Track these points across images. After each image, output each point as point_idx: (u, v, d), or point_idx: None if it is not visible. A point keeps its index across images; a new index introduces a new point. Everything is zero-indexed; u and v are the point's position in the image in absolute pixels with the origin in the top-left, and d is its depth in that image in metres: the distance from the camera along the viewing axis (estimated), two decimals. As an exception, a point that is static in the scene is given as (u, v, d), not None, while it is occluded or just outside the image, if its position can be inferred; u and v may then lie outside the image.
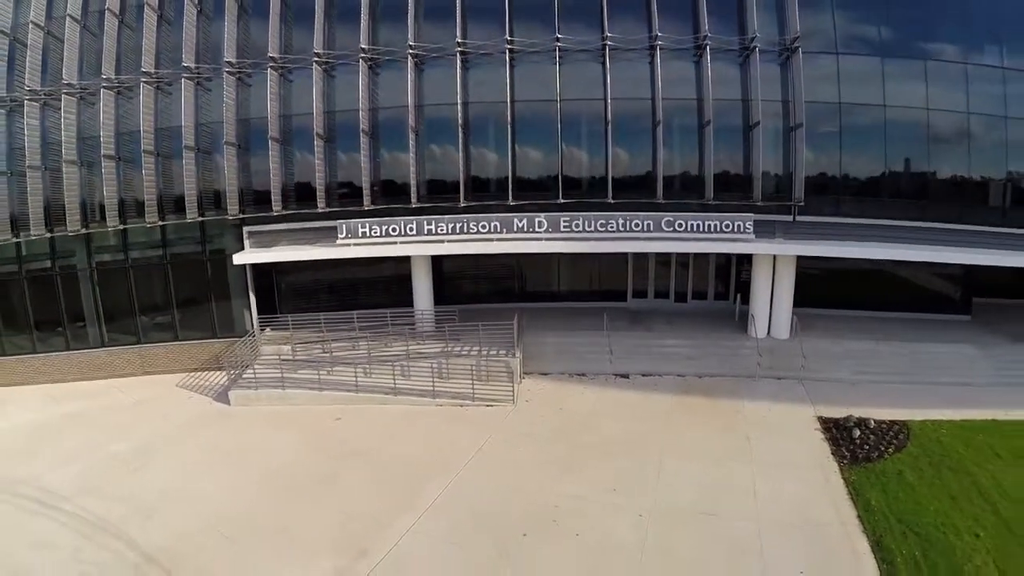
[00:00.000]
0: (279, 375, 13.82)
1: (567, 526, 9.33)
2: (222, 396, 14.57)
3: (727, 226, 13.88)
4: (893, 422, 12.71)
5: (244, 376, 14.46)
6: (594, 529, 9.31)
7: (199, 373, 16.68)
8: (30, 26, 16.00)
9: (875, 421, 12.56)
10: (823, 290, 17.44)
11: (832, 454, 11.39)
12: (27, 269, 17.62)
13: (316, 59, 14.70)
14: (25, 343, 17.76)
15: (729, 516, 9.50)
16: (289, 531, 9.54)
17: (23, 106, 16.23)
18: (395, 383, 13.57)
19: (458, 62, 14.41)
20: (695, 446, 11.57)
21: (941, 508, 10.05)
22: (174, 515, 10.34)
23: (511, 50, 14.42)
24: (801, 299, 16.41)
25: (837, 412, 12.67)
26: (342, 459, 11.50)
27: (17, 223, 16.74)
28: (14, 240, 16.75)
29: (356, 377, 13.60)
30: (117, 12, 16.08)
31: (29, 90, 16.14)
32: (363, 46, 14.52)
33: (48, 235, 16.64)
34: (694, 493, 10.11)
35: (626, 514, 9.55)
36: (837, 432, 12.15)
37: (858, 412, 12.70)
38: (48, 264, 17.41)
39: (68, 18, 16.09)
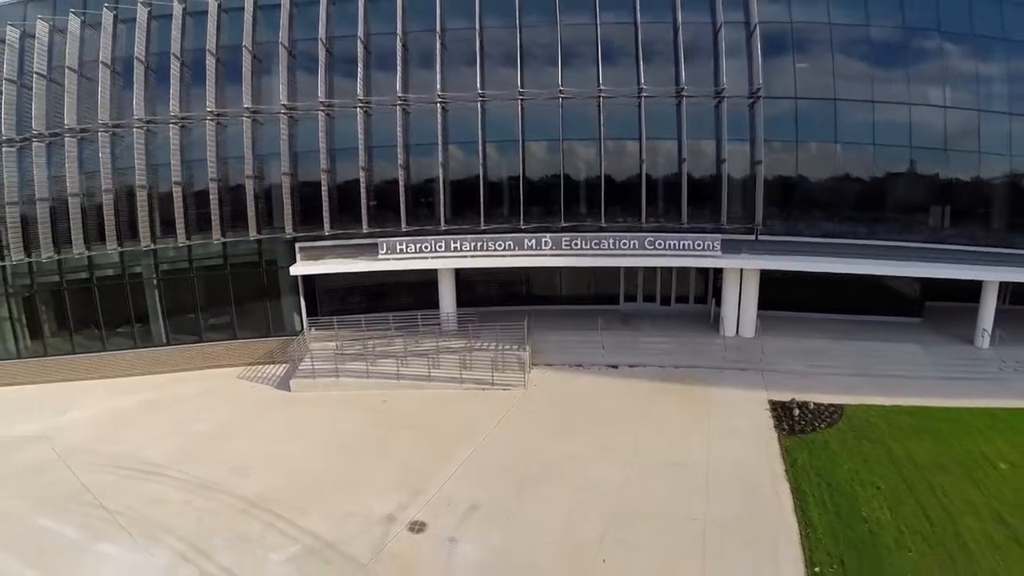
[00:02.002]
0: (333, 366, 17.48)
1: (567, 472, 12.98)
2: (283, 384, 18.20)
3: (699, 245, 17.59)
4: (831, 405, 16.22)
5: (301, 367, 18.08)
6: (588, 474, 12.94)
7: (255, 367, 20.17)
8: (102, 64, 19.34)
9: (815, 404, 16.10)
10: (790, 295, 20.89)
11: (774, 427, 14.92)
12: (98, 276, 21.12)
13: (360, 104, 18.32)
14: (95, 342, 21.22)
15: (687, 467, 13.10)
16: (360, 480, 13.14)
17: (97, 137, 19.77)
18: (429, 372, 17.29)
19: (479, 108, 18.07)
20: (667, 420, 15.19)
21: (854, 467, 13.57)
22: (264, 474, 13.75)
23: (522, 98, 18.09)
24: (770, 303, 20.07)
25: (784, 396, 16.19)
26: (392, 430, 15.16)
27: (90, 237, 20.41)
28: (87, 253, 20.31)
29: (397, 367, 17.33)
30: (180, 59, 19.63)
31: (102, 123, 19.56)
32: (399, 94, 18.17)
33: (119, 249, 20.21)
34: (663, 452, 13.74)
35: (612, 465, 13.20)
36: (781, 411, 15.68)
37: (802, 397, 16.23)
38: (119, 272, 20.81)
39: (136, 60, 19.52)
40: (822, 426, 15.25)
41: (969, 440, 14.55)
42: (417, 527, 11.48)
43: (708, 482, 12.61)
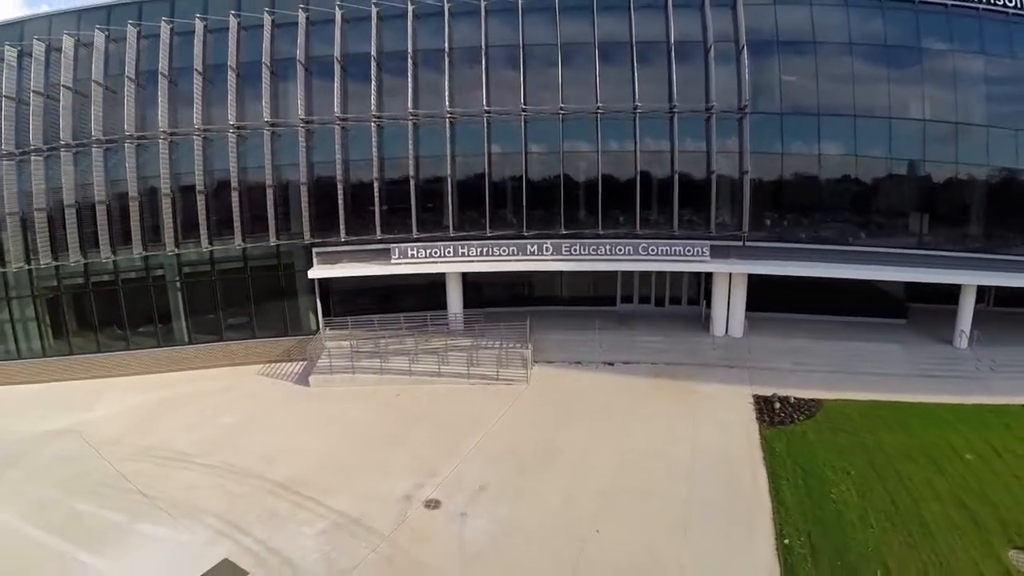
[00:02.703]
0: (349, 363, 19.07)
1: (566, 457, 14.61)
2: (302, 380, 19.79)
3: (689, 250, 19.21)
4: (811, 400, 17.78)
5: (319, 364, 19.65)
6: (587, 459, 14.54)
7: (274, 364, 21.69)
8: (127, 78, 20.86)
9: (795, 398, 17.70)
10: (778, 297, 22.39)
11: (757, 419, 16.49)
12: (123, 279, 22.61)
13: (374, 118, 19.91)
14: (119, 341, 22.75)
15: (674, 453, 14.69)
16: (379, 465, 14.70)
17: (123, 147, 21.32)
18: (438, 368, 18.86)
19: (485, 122, 19.66)
20: (657, 411, 16.78)
21: (827, 455, 15.08)
22: (290, 461, 15.28)
23: (525, 114, 19.69)
24: (760, 305, 21.66)
25: (767, 391, 17.77)
26: (406, 421, 16.75)
27: (115, 242, 21.96)
28: (113, 258, 21.75)
29: (409, 364, 18.92)
30: (202, 74, 21.14)
31: (128, 134, 20.97)
32: (410, 110, 19.75)
33: (145, 254, 21.68)
34: (654, 440, 15.32)
35: (607, 450, 14.80)
36: (764, 405, 17.25)
37: (784, 392, 17.83)
38: (143, 275, 22.26)
39: (160, 75, 21.02)
40: (801, 418, 16.83)
41: (939, 433, 16.02)
42: (432, 504, 13.06)
43: (693, 466, 14.17)
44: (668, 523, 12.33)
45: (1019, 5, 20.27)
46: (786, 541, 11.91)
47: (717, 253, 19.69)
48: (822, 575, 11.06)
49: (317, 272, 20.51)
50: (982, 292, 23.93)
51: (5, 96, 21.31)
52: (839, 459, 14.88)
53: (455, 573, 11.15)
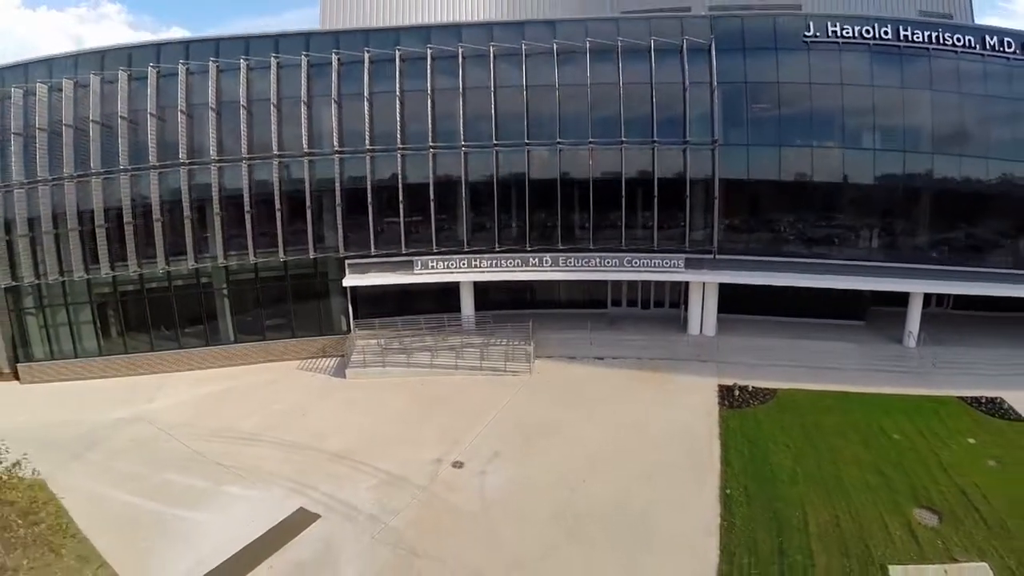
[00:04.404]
0: (380, 358, 23.52)
1: (561, 432, 18.97)
2: (338, 373, 24.22)
3: (666, 263, 23.70)
4: (767, 389, 22.04)
5: (353, 358, 24.06)
6: (579, 433, 18.91)
7: (311, 360, 26.06)
8: (180, 111, 25.07)
9: (753, 387, 22.04)
10: (749, 301, 26.71)
11: (718, 403, 20.81)
12: (175, 286, 27.01)
13: (400, 149, 24.35)
14: (171, 341, 26.87)
15: (649, 429, 19.06)
16: (412, 439, 19.04)
17: (179, 171, 25.58)
18: (455, 362, 23.32)
19: (494, 154, 24.11)
20: (638, 397, 21.17)
21: (771, 431, 19.42)
22: (339, 437, 19.57)
23: (528, 146, 24.09)
24: (733, 308, 26.11)
25: (730, 382, 22.17)
26: (431, 405, 21.16)
27: (169, 253, 26.27)
28: (167, 268, 25.98)
29: (431, 359, 23.42)
30: (247, 108, 25.42)
31: (181, 161, 25.22)
32: (430, 143, 24.18)
33: (196, 265, 25.98)
34: (633, 418, 19.70)
35: (595, 426, 19.19)
36: (726, 392, 21.60)
37: (744, 382, 22.17)
38: (193, 282, 26.59)
39: (209, 108, 25.32)
40: (755, 403, 21.20)
41: (874, 417, 20.03)
42: (457, 465, 17.50)
43: (663, 438, 18.58)
44: (639, 477, 16.73)
45: (969, 44, 23.96)
46: (728, 491, 16.29)
47: (691, 265, 24.13)
48: (752, 513, 15.33)
49: (350, 280, 24.94)
50: (941, 296, 28.30)
51: (65, 124, 25.41)
52: (781, 434, 19.11)
53: (478, 511, 15.57)
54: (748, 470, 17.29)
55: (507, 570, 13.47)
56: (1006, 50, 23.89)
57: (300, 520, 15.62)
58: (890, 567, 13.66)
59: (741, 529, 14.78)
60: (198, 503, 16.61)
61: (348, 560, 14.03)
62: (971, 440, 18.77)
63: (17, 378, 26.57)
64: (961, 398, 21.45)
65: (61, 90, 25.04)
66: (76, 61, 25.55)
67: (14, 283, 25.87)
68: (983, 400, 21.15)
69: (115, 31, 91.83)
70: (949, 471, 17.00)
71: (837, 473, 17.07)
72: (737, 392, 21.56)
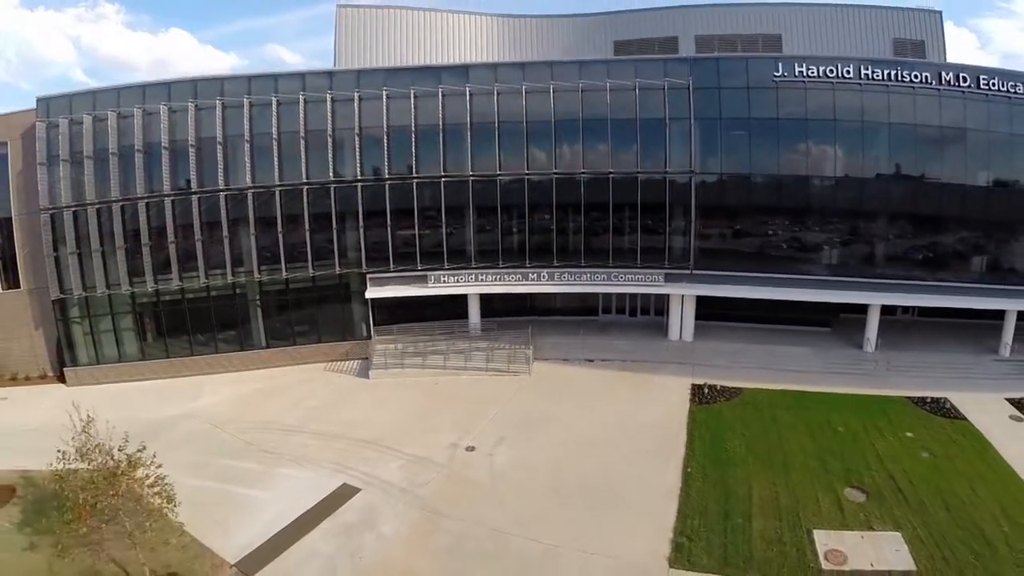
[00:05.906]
0: (399, 360, 28.15)
1: (556, 423, 23.43)
2: (362, 373, 28.80)
3: (648, 278, 28.32)
4: (735, 388, 26.40)
5: (375, 361, 28.62)
6: (570, 423, 23.36)
7: (336, 363, 30.52)
8: (219, 143, 29.50)
9: (722, 386, 26.44)
10: (725, 310, 31.11)
11: (690, 400, 25.26)
12: (213, 296, 31.53)
13: (416, 178, 28.95)
14: (208, 346, 31.21)
15: (630, 421, 23.48)
16: (431, 428, 23.51)
17: (218, 196, 29.92)
18: (465, 364, 27.85)
19: (497, 183, 28.67)
20: (622, 395, 25.66)
21: (733, 423, 23.67)
22: (368, 428, 23.99)
23: (528, 176, 28.66)
24: (712, 316, 30.66)
25: (702, 381, 26.70)
26: (446, 400, 25.69)
27: (208, 268, 30.73)
28: (207, 282, 30.45)
29: (443, 361, 28.01)
30: (276, 140, 29.85)
31: (220, 187, 30.00)
32: (441, 172, 28.78)
33: (233, 280, 30.54)
34: (616, 412, 24.18)
35: (586, 419, 23.66)
36: (698, 391, 26.08)
37: (713, 381, 26.59)
38: (230, 293, 31.10)
39: (244, 140, 29.75)
40: (722, 400, 25.67)
41: (825, 413, 23.94)
42: (470, 448, 22.02)
43: (640, 428, 23.07)
44: (618, 459, 21.21)
45: (926, 80, 27.99)
46: (688, 470, 20.73)
47: (671, 279, 28.73)
48: (707, 487, 19.65)
49: (372, 293, 29.53)
50: (905, 306, 32.14)
51: (111, 152, 29.64)
52: (741, 426, 23.32)
53: (488, 482, 20.09)
54: (707, 454, 21.58)
55: (511, 526, 18.02)
56: (960, 84, 27.66)
57: (344, 493, 20.06)
58: (815, 531, 17.29)
59: (695, 498, 19.06)
60: (256, 483, 20.75)
61: (386, 520, 18.55)
62: (909, 434, 22.19)
63: (63, 381, 30.36)
64: (909, 398, 24.85)
65: (105, 120, 29.14)
66: (119, 95, 29.57)
67: (62, 295, 29.72)
68: (928, 400, 24.60)
69: (114, 31, 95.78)
70: (884, 459, 20.42)
71: (784, 459, 21.09)
72: (707, 390, 26.12)
